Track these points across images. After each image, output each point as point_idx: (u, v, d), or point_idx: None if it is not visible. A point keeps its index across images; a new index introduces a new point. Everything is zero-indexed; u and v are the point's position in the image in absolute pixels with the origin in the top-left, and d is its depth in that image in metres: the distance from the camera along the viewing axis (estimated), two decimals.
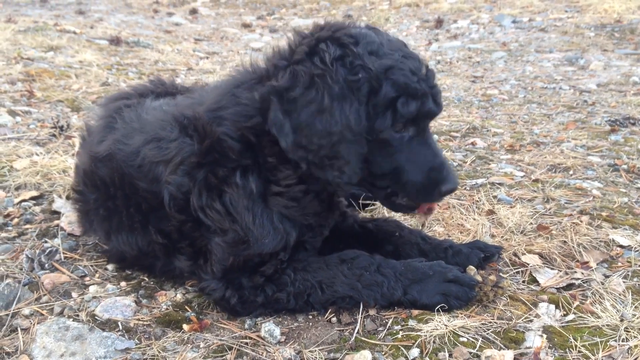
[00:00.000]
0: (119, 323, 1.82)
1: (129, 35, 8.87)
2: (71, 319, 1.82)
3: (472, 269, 1.95)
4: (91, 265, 2.21)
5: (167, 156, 1.87)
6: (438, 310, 1.81)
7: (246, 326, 1.83)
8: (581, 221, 2.52)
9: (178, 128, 1.89)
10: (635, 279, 2.09)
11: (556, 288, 2.05)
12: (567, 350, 1.66)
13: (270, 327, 1.76)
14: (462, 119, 4.66)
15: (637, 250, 2.30)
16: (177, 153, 1.85)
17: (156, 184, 1.89)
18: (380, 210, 2.68)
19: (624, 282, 2.05)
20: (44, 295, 1.99)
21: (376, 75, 1.66)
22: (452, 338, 1.70)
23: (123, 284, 2.08)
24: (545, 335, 1.72)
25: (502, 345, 1.68)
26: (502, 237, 2.42)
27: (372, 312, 1.86)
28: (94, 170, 2.06)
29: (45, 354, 1.64)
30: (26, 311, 1.88)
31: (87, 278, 2.12)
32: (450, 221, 2.59)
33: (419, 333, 1.73)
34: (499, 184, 3.14)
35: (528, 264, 2.18)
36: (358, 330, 1.77)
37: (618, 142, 4.00)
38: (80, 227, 2.32)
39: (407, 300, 1.84)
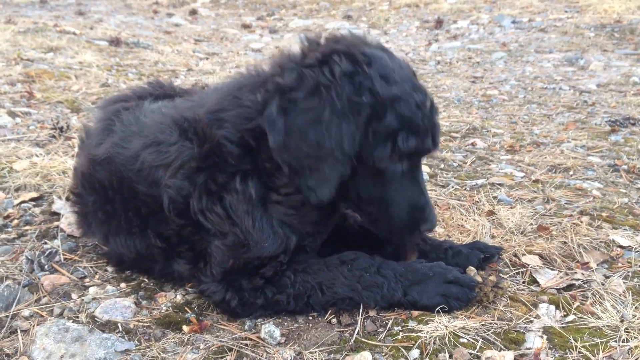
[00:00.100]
0: (119, 324, 1.82)
1: (128, 36, 8.87)
2: (71, 321, 1.82)
3: (472, 270, 1.95)
4: (91, 267, 2.21)
5: (167, 160, 1.86)
6: (438, 311, 1.81)
7: (246, 327, 1.82)
8: (581, 222, 2.52)
9: (178, 132, 1.88)
10: (635, 280, 2.08)
11: (556, 289, 2.04)
12: (568, 351, 1.66)
13: (270, 329, 1.76)
14: (462, 120, 4.66)
15: (638, 251, 2.30)
16: (176, 157, 1.84)
17: (155, 187, 1.88)
18: None
19: (624, 282, 2.05)
20: (44, 296, 1.99)
21: (382, 102, 1.65)
22: (452, 339, 1.70)
23: (123, 285, 2.08)
24: (545, 336, 1.72)
25: (502, 346, 1.68)
26: (502, 237, 2.42)
27: (372, 313, 1.86)
28: (92, 173, 2.06)
29: (45, 355, 1.64)
30: (26, 312, 1.88)
31: (87, 279, 2.12)
32: (450, 222, 2.59)
33: (419, 334, 1.72)
34: (499, 184, 3.14)
35: (528, 265, 2.18)
36: (358, 331, 1.77)
37: (618, 142, 4.00)
38: (79, 229, 2.32)
39: (407, 301, 1.84)
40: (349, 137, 1.63)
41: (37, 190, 2.89)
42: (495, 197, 2.91)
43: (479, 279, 1.89)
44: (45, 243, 2.37)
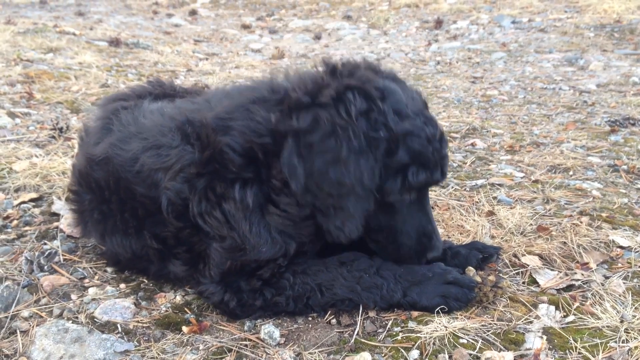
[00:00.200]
0: (118, 325, 1.82)
1: (128, 36, 8.87)
2: (70, 321, 1.82)
3: (471, 270, 1.95)
4: (90, 267, 2.21)
5: (167, 163, 1.86)
6: (438, 312, 1.81)
7: (245, 328, 1.82)
8: (581, 222, 2.52)
9: (180, 135, 1.87)
10: (635, 280, 2.08)
11: (556, 289, 2.04)
12: (567, 351, 1.66)
13: (269, 329, 1.76)
14: (461, 120, 4.66)
15: (637, 251, 2.30)
16: (177, 160, 1.84)
17: (154, 189, 1.88)
18: None
19: (624, 283, 2.05)
20: (43, 297, 1.99)
21: (395, 138, 1.68)
22: (452, 340, 1.70)
23: (122, 286, 2.08)
24: (545, 337, 1.72)
25: (502, 347, 1.68)
26: (502, 238, 2.41)
27: (371, 313, 1.86)
28: (89, 172, 2.06)
29: (45, 356, 1.64)
30: (25, 313, 1.88)
31: (87, 280, 2.12)
32: (449, 222, 2.59)
33: (418, 335, 1.72)
34: (499, 184, 3.14)
35: (528, 265, 2.18)
36: (358, 331, 1.77)
37: (618, 142, 4.00)
38: (76, 226, 2.32)
39: (406, 302, 1.84)
40: (368, 171, 1.67)
41: (37, 191, 2.89)
42: (495, 198, 2.91)
43: (478, 279, 1.89)
44: (45, 244, 2.37)
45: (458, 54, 8.40)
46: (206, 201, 1.79)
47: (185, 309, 1.93)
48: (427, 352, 1.66)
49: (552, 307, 1.88)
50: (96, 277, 2.15)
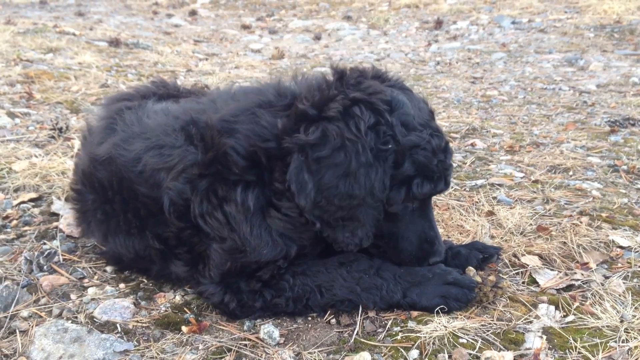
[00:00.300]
0: (118, 325, 1.81)
1: (128, 36, 8.87)
2: (70, 321, 1.81)
3: (471, 270, 1.95)
4: (90, 267, 2.21)
5: (169, 163, 1.85)
6: (437, 312, 1.81)
7: (245, 328, 1.82)
8: (581, 222, 2.52)
9: (183, 136, 1.87)
10: (635, 280, 2.08)
11: (556, 289, 2.04)
12: (567, 351, 1.66)
13: (269, 329, 1.76)
14: (461, 120, 4.66)
15: (637, 251, 2.30)
16: (179, 161, 1.83)
17: (157, 189, 1.88)
18: None
19: (623, 283, 2.05)
20: (43, 297, 1.98)
21: (402, 150, 1.70)
22: (451, 339, 1.70)
23: (122, 285, 2.08)
24: (545, 337, 1.72)
25: (501, 347, 1.68)
26: (501, 238, 2.41)
27: (371, 313, 1.86)
28: (92, 172, 2.06)
29: (44, 356, 1.64)
30: (25, 313, 1.88)
31: (86, 280, 2.12)
32: (449, 222, 2.59)
33: (418, 334, 1.72)
34: (499, 185, 3.14)
35: (528, 265, 2.18)
36: (357, 331, 1.77)
37: (618, 142, 4.00)
38: (78, 226, 2.32)
39: (406, 303, 1.84)
40: (379, 182, 1.69)
41: (36, 191, 2.89)
42: (494, 198, 2.91)
43: (478, 279, 1.89)
44: (44, 244, 2.36)
45: (458, 55, 8.40)
46: (207, 202, 1.79)
47: (185, 308, 1.93)
48: (426, 351, 1.65)
49: (552, 307, 1.88)
50: (95, 277, 2.15)
